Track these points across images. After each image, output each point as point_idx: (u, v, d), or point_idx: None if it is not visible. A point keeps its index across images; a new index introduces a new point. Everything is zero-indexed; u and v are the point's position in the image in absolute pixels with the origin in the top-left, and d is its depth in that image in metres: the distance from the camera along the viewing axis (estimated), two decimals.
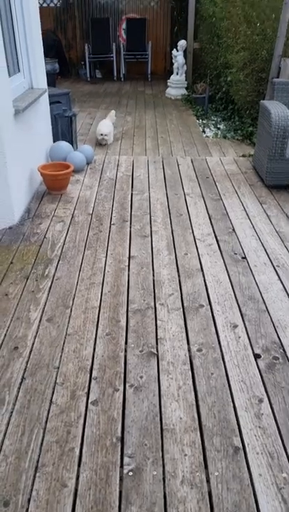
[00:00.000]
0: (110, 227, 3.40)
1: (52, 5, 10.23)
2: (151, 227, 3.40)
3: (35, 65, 4.13)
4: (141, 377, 2.04)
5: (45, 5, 10.08)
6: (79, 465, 1.65)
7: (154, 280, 2.76)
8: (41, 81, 4.31)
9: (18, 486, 1.58)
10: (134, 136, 5.94)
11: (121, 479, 1.61)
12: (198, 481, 1.60)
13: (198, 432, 1.78)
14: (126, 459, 1.67)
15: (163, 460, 1.67)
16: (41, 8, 9.03)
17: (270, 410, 1.87)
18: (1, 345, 2.23)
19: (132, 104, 7.85)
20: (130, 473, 1.62)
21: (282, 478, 1.61)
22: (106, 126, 5.53)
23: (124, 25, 10.22)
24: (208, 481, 1.60)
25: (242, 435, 1.77)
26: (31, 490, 1.57)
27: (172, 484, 1.59)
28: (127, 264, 2.92)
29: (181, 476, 1.61)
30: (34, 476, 1.61)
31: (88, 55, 9.83)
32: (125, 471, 1.63)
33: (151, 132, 6.17)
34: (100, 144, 5.54)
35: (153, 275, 2.81)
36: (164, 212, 3.66)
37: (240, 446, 1.72)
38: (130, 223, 3.46)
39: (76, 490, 1.57)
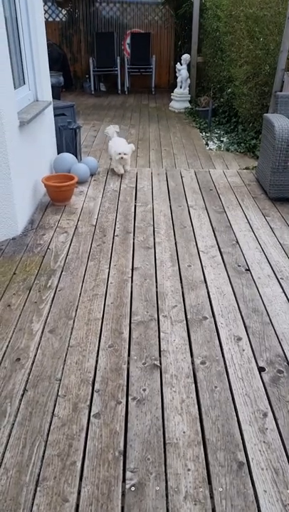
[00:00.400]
0: (114, 238, 3.40)
1: (58, 19, 10.38)
2: (154, 239, 3.39)
3: (41, 77, 4.17)
4: (144, 390, 2.01)
5: (50, 19, 10.23)
6: (80, 479, 1.63)
7: (157, 292, 2.75)
8: (46, 93, 4.34)
9: (18, 500, 1.56)
10: (138, 149, 5.96)
11: (123, 494, 1.58)
12: (201, 496, 1.57)
13: (201, 447, 1.75)
14: (128, 474, 1.65)
15: (166, 475, 1.64)
16: (47, 22, 9.19)
17: (274, 425, 1.85)
18: (3, 356, 2.22)
19: (136, 117, 7.91)
20: (132, 489, 1.59)
21: (288, 494, 1.58)
22: (125, 144, 4.73)
23: (128, 40, 10.35)
24: (211, 497, 1.57)
25: (246, 450, 1.74)
26: (32, 505, 1.54)
27: (175, 500, 1.56)
28: (130, 275, 2.91)
29: (185, 492, 1.58)
30: (35, 491, 1.59)
31: (93, 68, 9.94)
32: (127, 486, 1.60)
33: (155, 145, 6.20)
34: (116, 170, 4.76)
35: (156, 287, 2.80)
36: (167, 224, 3.66)
37: (245, 461, 1.69)
38: (134, 235, 3.46)
39: (77, 505, 1.54)
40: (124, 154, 4.59)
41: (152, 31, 10.33)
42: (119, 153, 4.57)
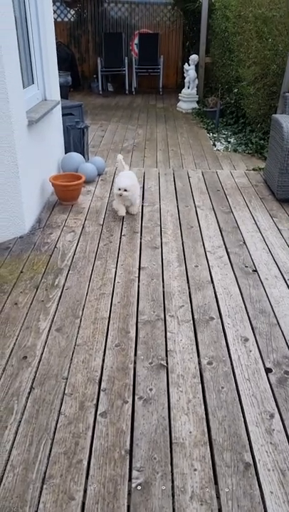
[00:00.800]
0: (121, 238, 3.40)
1: (66, 19, 10.40)
2: (161, 239, 3.39)
3: (49, 77, 4.18)
4: (150, 389, 2.01)
5: (59, 19, 10.25)
6: (87, 477, 1.63)
7: (164, 292, 2.75)
8: (54, 93, 4.35)
9: (25, 497, 1.56)
10: (145, 149, 5.97)
11: (129, 493, 1.58)
12: (208, 497, 1.56)
13: (208, 447, 1.75)
14: (134, 473, 1.65)
15: (172, 474, 1.64)
16: (56, 22, 9.20)
17: (281, 426, 1.84)
18: (10, 354, 2.23)
19: (144, 118, 7.91)
20: (139, 488, 1.59)
21: None
22: (128, 177, 3.68)
23: (136, 40, 10.35)
24: (218, 497, 1.57)
25: (253, 451, 1.73)
26: (38, 502, 1.54)
27: (181, 500, 1.55)
28: (137, 275, 2.91)
29: (191, 492, 1.58)
30: (41, 488, 1.59)
31: (101, 68, 9.95)
32: (134, 485, 1.60)
33: (162, 145, 6.20)
34: (117, 210, 3.77)
35: (163, 287, 2.80)
36: (174, 224, 3.66)
37: (251, 462, 1.69)
38: (141, 234, 3.46)
39: (84, 503, 1.54)
40: (125, 191, 3.53)
41: (160, 32, 10.32)
42: (119, 189, 3.54)
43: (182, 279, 2.88)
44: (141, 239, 3.39)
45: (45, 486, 1.60)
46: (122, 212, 3.73)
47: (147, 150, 5.93)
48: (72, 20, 10.47)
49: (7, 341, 2.31)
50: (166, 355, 2.22)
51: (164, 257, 3.13)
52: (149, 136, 6.69)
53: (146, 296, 2.69)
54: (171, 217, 3.79)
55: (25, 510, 1.51)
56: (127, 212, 3.78)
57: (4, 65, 2.91)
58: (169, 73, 10.65)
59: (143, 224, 3.64)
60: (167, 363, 2.17)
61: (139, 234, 3.47)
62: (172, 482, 1.61)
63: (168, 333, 2.37)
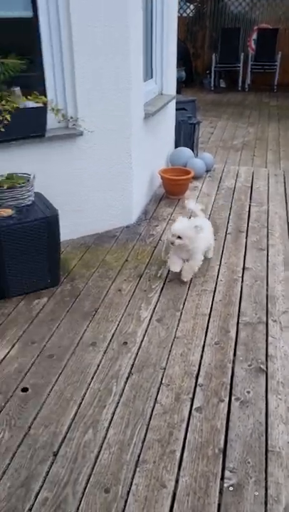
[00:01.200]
0: (226, 236, 3.35)
1: (185, 15, 10.43)
2: (268, 241, 3.29)
3: (167, 71, 4.23)
4: (248, 392, 1.97)
5: (178, 15, 10.31)
6: (179, 469, 1.64)
7: (267, 295, 2.66)
8: (171, 87, 4.40)
9: (118, 476, 1.61)
10: (255, 148, 5.82)
11: (220, 492, 1.57)
12: None
13: None
14: (227, 473, 1.63)
15: (266, 482, 1.60)
16: None
17: None
18: (112, 338, 2.31)
19: (255, 116, 7.71)
20: (231, 488, 1.57)
21: None
22: (182, 223, 2.68)
23: (254, 36, 10.08)
24: None
25: None
26: (131, 483, 1.59)
27: (275, 509, 1.51)
28: (240, 275, 2.86)
29: (285, 503, 1.52)
30: (134, 471, 1.63)
31: (215, 64, 9.86)
32: (225, 485, 1.58)
33: (274, 145, 6.00)
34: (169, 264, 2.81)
35: (267, 290, 2.71)
36: (282, 226, 3.53)
37: None
38: (246, 234, 3.38)
39: (175, 493, 1.56)
40: (178, 238, 2.64)
41: (281, 27, 9.94)
42: (173, 235, 2.67)
43: (288, 283, 2.77)
44: (246, 239, 3.32)
45: (138, 469, 1.64)
46: (175, 267, 2.74)
47: (257, 149, 5.78)
48: (190, 15, 10.48)
49: (109, 325, 2.40)
50: (267, 360, 2.16)
51: (269, 260, 3.04)
52: (260, 134, 6.51)
53: (248, 298, 2.63)
54: (279, 219, 3.66)
55: (118, 488, 1.57)
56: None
57: (131, 57, 2.99)
58: (286, 70, 10.23)
59: (249, 224, 3.56)
60: (267, 368, 2.11)
61: (244, 233, 3.40)
62: (266, 490, 1.57)
63: (269, 338, 2.30)
